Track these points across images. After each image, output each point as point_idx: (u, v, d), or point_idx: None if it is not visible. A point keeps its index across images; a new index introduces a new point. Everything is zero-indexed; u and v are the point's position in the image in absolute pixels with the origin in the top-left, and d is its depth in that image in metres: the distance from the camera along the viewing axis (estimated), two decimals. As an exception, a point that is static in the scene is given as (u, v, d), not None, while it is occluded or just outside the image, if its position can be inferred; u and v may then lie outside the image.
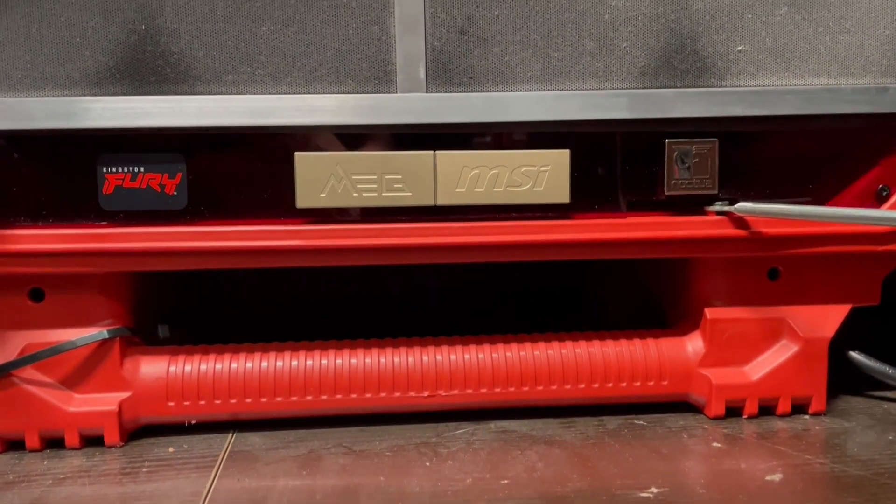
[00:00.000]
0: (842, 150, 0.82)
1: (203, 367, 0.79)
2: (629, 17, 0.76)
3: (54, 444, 0.77)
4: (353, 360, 0.81)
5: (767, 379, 0.83)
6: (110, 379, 0.78)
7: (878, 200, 0.82)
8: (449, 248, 0.77)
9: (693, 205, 0.80)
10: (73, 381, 0.77)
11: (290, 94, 0.74)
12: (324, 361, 0.81)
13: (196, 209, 0.75)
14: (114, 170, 0.74)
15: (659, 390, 0.83)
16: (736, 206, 0.79)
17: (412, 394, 0.81)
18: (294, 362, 0.80)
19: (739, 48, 0.78)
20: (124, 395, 0.77)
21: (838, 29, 0.78)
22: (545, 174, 0.77)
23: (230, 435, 0.80)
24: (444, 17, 0.75)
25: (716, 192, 0.79)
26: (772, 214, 0.77)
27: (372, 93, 0.75)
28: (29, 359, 0.75)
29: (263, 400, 0.79)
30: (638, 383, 0.83)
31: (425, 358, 0.82)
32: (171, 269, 0.76)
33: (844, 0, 0.78)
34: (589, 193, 0.79)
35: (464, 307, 1.13)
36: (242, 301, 1.11)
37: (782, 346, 0.84)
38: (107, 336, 0.76)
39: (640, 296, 1.00)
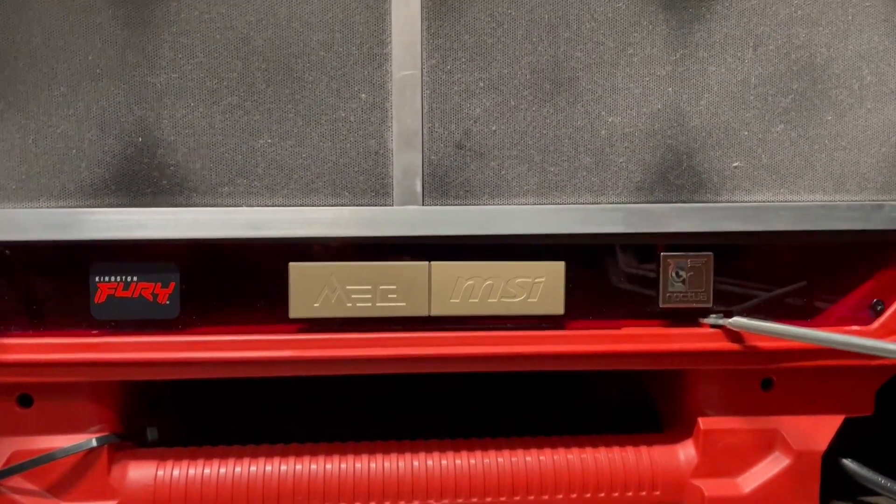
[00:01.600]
0: (837, 264, 0.82)
1: (192, 471, 0.79)
2: (625, 133, 0.77)
3: (40, 551, 0.76)
4: (343, 465, 0.80)
5: (760, 492, 0.82)
6: (98, 487, 0.77)
7: (873, 314, 0.82)
8: (442, 358, 0.77)
9: (688, 316, 0.80)
10: (61, 489, 0.76)
11: (286, 206, 0.74)
12: (313, 467, 0.80)
13: (188, 318, 0.75)
14: (106, 279, 0.73)
15: (651, 500, 0.83)
16: (731, 320, 0.79)
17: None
18: (283, 467, 0.80)
19: (735, 164, 0.78)
20: (112, 503, 0.77)
21: (834, 146, 0.79)
22: (540, 285, 0.77)
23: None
24: (442, 132, 0.75)
25: (710, 305, 0.80)
26: (766, 332, 0.77)
27: (368, 205, 0.75)
28: (15, 469, 0.74)
29: (252, 507, 0.79)
30: (630, 493, 0.82)
31: (415, 463, 0.81)
32: (162, 378, 0.76)
33: (840, 118, 0.78)
34: (584, 304, 0.79)
35: (454, 394, 1.12)
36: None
37: (775, 458, 0.83)
38: (95, 444, 0.76)
39: (638, 389, 0.99)
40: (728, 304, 0.80)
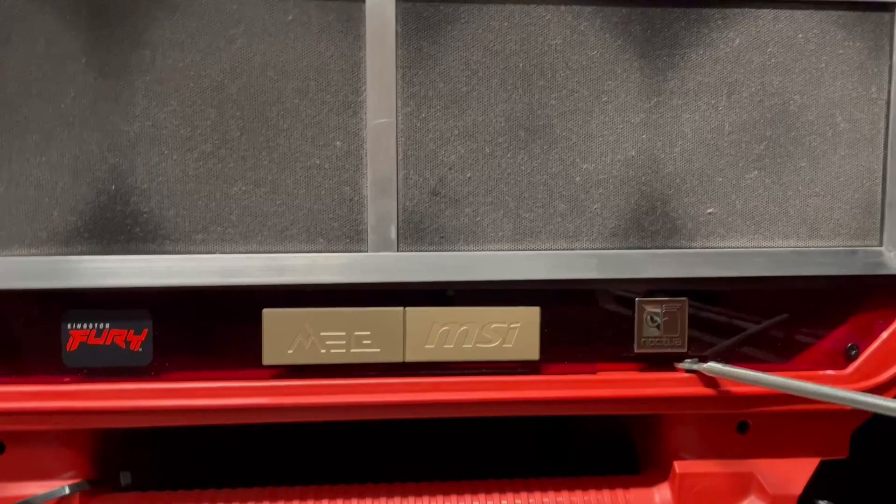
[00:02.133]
0: (812, 308, 0.82)
1: (164, 517, 0.78)
2: (600, 179, 0.77)
3: None
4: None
5: (736, 535, 0.82)
6: (70, 534, 0.76)
7: (847, 359, 0.82)
8: (417, 405, 0.77)
9: (663, 360, 0.80)
10: (32, 536, 0.76)
11: (260, 252, 0.74)
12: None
13: (161, 365, 0.75)
14: (79, 326, 0.73)
15: (627, 543, 0.83)
16: (705, 365, 0.79)
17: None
18: (259, 513, 0.79)
19: (710, 210, 0.78)
20: (84, 550, 0.76)
21: (808, 193, 0.79)
22: (515, 331, 0.77)
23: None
24: (417, 179, 0.75)
25: (685, 349, 0.80)
26: (740, 379, 0.77)
27: (343, 251, 0.75)
28: (-15, 517, 0.73)
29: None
30: (605, 538, 0.82)
31: None
32: (135, 426, 0.75)
33: (814, 165, 0.79)
34: (559, 348, 0.79)
35: (430, 438, 1.12)
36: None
37: (751, 501, 0.83)
38: (67, 492, 0.75)
39: (618, 430, 0.99)
40: (703, 348, 0.80)
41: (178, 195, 0.72)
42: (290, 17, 0.72)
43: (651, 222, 0.78)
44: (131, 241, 0.72)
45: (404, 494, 0.82)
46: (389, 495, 0.82)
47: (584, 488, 0.84)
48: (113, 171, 0.71)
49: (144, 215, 0.72)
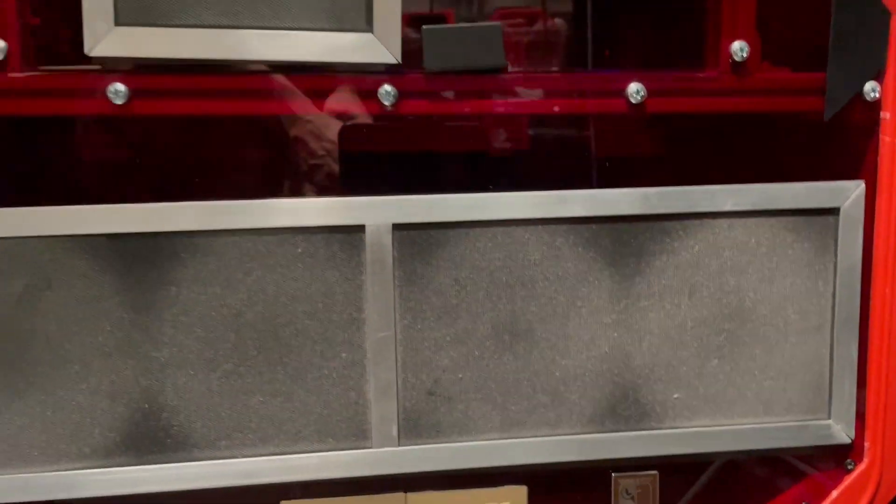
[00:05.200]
0: (768, 472, 0.92)
1: None
2: (577, 374, 0.86)
3: None
4: None
5: None
6: None
7: (802, 516, 0.92)
8: (419, 576, 0.87)
9: (638, 525, 0.90)
10: None
11: (277, 454, 0.83)
12: None
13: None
14: (115, 533, 0.83)
15: None
16: (675, 531, 0.89)
17: None
18: None
19: (676, 396, 0.88)
20: None
21: (763, 377, 0.88)
22: (505, 507, 0.87)
23: None
24: (415, 381, 0.84)
25: (657, 520, 0.90)
26: (705, 548, 0.87)
27: (350, 449, 0.84)
28: None
29: None
30: None
31: None
32: None
33: (768, 352, 0.88)
34: (545, 519, 0.89)
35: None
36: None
37: None
38: None
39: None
40: (674, 514, 0.90)
41: (204, 409, 0.82)
42: (300, 250, 0.81)
43: (624, 408, 0.87)
44: (163, 451, 0.82)
45: None
46: None
47: None
48: (146, 393, 0.81)
49: (175, 428, 0.82)
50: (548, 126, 0.97)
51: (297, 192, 1.00)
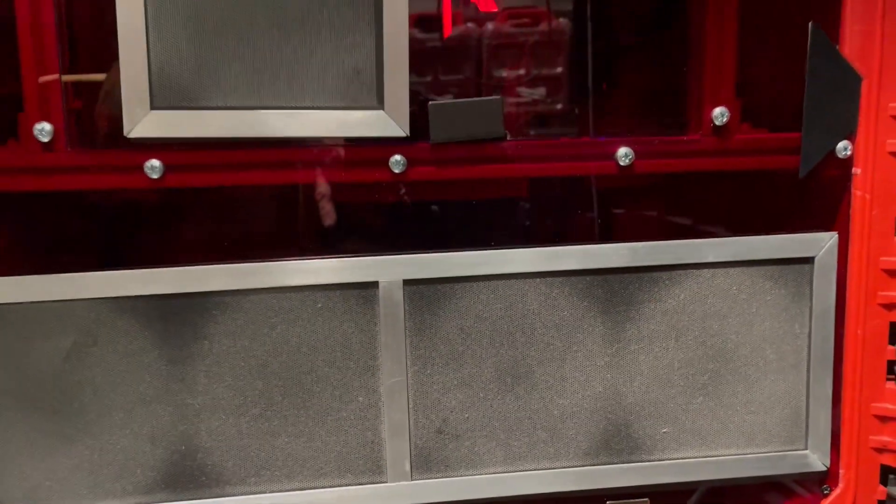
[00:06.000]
0: (748, 499, 1.00)
1: None
2: (574, 412, 0.94)
3: None
4: None
5: None
6: None
7: (782, 540, 1.01)
8: None
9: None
10: None
11: (301, 489, 0.92)
12: None
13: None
14: (160, 557, 0.91)
15: None
16: (665, 553, 0.97)
17: None
18: None
19: (664, 430, 0.96)
20: None
21: (745, 411, 0.96)
22: (509, 533, 0.96)
23: None
24: (425, 422, 0.93)
25: (647, 547, 0.98)
26: (692, 568, 0.95)
27: (367, 483, 0.93)
28: None
29: None
30: None
31: None
32: None
33: (749, 389, 0.96)
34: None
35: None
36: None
37: None
38: None
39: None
40: (664, 542, 0.99)
41: (235, 449, 0.90)
42: (319, 305, 0.89)
43: (617, 442, 0.95)
44: (200, 487, 0.90)
45: None
46: None
47: None
48: (182, 436, 0.89)
49: (209, 467, 0.90)
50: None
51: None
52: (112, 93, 0.87)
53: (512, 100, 1.02)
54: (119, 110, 0.82)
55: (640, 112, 1.00)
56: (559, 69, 1.04)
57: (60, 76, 0.85)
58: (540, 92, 1.01)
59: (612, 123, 0.94)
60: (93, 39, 0.94)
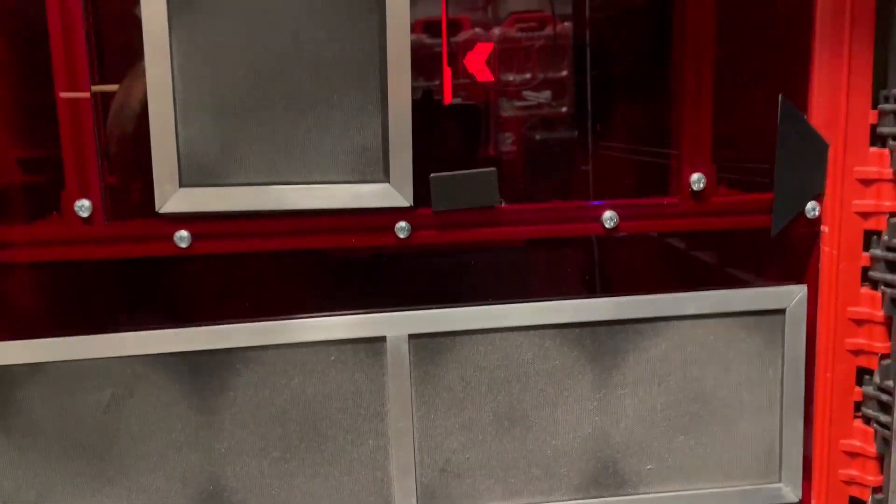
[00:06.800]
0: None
1: None
2: (565, 451, 1.03)
3: None
4: None
5: None
6: None
7: (759, 563, 1.09)
8: None
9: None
10: None
11: (318, 522, 1.01)
12: None
13: None
14: (191, 582, 1.01)
15: None
16: (650, 578, 1.06)
17: None
18: None
19: (649, 467, 1.05)
20: None
21: (723, 449, 1.05)
22: (507, 560, 1.05)
23: None
24: (430, 462, 1.02)
25: (636, 564, 1.07)
26: (675, 593, 1.04)
27: (377, 515, 1.02)
28: None
29: None
30: None
31: None
32: None
33: (727, 429, 1.05)
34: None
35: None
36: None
37: None
38: None
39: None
40: (649, 562, 1.08)
41: (258, 489, 1.00)
42: (333, 358, 0.99)
43: (605, 478, 1.04)
44: (226, 523, 1.00)
45: None
46: None
47: None
48: (210, 477, 0.99)
49: (234, 505, 1.00)
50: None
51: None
52: (125, 106, 0.94)
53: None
54: (131, 124, 0.90)
55: (625, 176, 1.09)
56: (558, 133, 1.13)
57: (98, 154, 0.94)
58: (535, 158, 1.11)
59: (600, 189, 1.03)
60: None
